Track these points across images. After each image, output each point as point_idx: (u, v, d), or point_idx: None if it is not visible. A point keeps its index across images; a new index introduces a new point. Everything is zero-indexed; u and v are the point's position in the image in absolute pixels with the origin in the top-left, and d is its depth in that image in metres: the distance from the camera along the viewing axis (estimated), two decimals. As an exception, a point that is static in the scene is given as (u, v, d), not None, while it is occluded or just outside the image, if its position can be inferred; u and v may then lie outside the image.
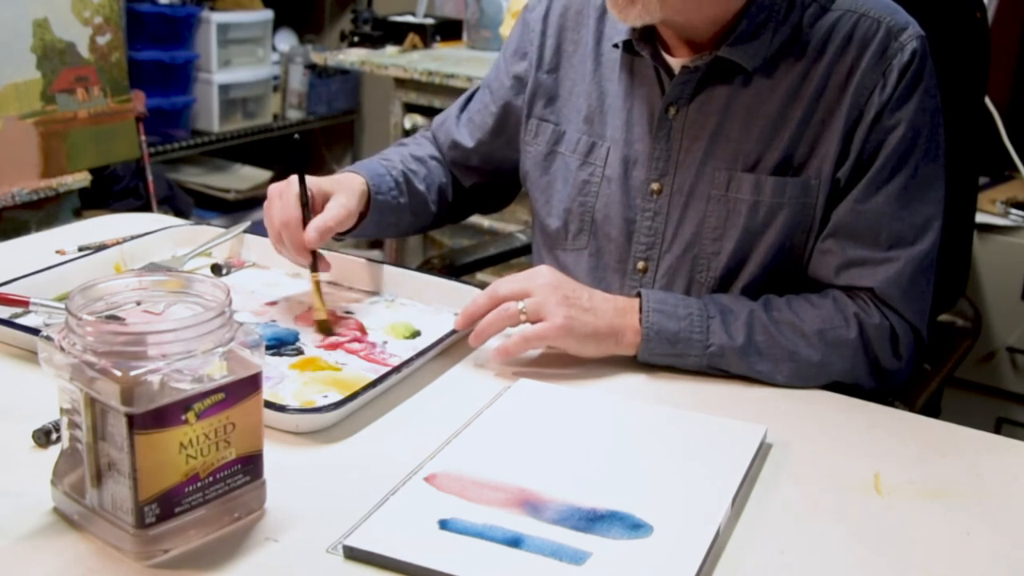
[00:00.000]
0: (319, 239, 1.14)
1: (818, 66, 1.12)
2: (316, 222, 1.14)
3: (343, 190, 1.19)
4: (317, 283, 1.16)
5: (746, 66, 1.13)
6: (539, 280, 1.08)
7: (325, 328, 1.14)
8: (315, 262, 1.16)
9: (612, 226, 1.22)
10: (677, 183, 1.18)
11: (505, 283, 1.09)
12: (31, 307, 1.08)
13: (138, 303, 0.80)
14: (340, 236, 1.23)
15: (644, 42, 1.17)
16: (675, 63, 1.17)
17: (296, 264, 1.19)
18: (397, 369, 1.01)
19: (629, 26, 1.16)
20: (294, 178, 1.16)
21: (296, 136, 1.19)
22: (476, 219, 2.61)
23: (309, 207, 1.15)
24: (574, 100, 1.26)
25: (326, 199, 1.18)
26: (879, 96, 1.11)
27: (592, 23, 1.25)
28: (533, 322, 1.06)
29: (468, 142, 1.37)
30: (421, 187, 1.33)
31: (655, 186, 1.19)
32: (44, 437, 0.87)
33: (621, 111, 1.22)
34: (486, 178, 1.40)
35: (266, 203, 1.18)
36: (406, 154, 1.36)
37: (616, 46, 1.21)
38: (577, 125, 1.25)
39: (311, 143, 3.90)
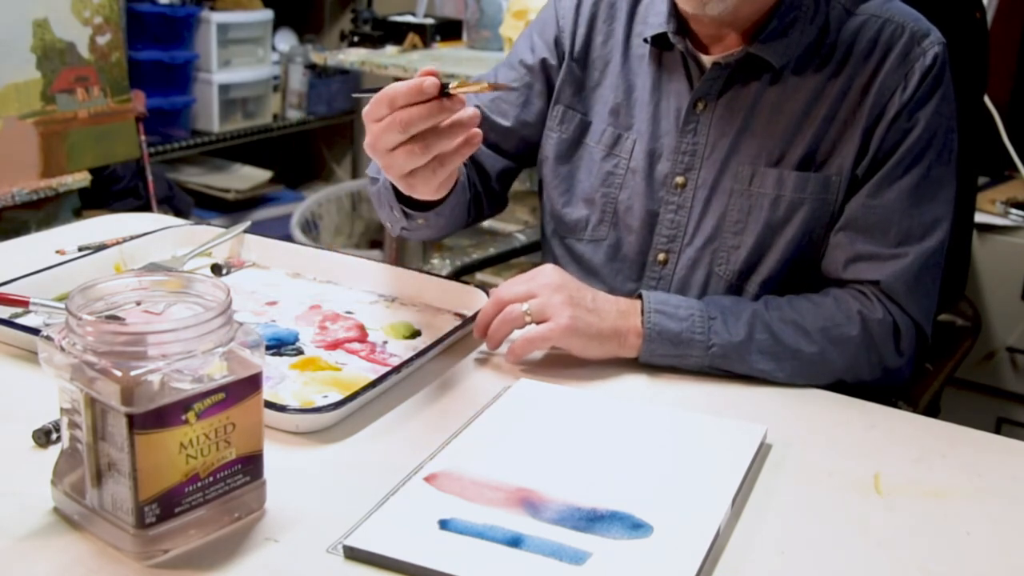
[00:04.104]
0: (474, 115, 0.96)
1: (843, 67, 1.15)
2: (467, 110, 0.95)
3: None
4: (463, 83, 0.95)
5: (774, 63, 1.15)
6: (543, 280, 1.09)
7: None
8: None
9: (634, 218, 1.23)
10: (702, 177, 1.19)
11: (509, 286, 1.09)
12: (31, 307, 1.08)
13: (138, 303, 0.80)
14: (427, 207, 1.14)
15: (679, 35, 1.18)
16: (705, 59, 1.19)
17: (423, 111, 0.92)
18: (397, 369, 1.01)
19: (704, 14, 1.11)
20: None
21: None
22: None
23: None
24: (601, 91, 1.27)
25: None
26: (900, 97, 1.13)
27: (624, 16, 1.26)
28: (538, 322, 1.06)
29: (504, 121, 1.31)
30: (464, 183, 1.25)
31: (679, 180, 1.20)
32: (44, 437, 0.87)
33: (648, 104, 1.23)
34: (516, 161, 1.34)
35: (374, 99, 0.96)
36: None
37: (646, 40, 1.22)
38: (603, 117, 1.26)
39: (311, 143, 3.90)
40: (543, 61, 1.30)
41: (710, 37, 1.18)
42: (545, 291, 1.07)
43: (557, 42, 1.30)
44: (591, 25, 1.28)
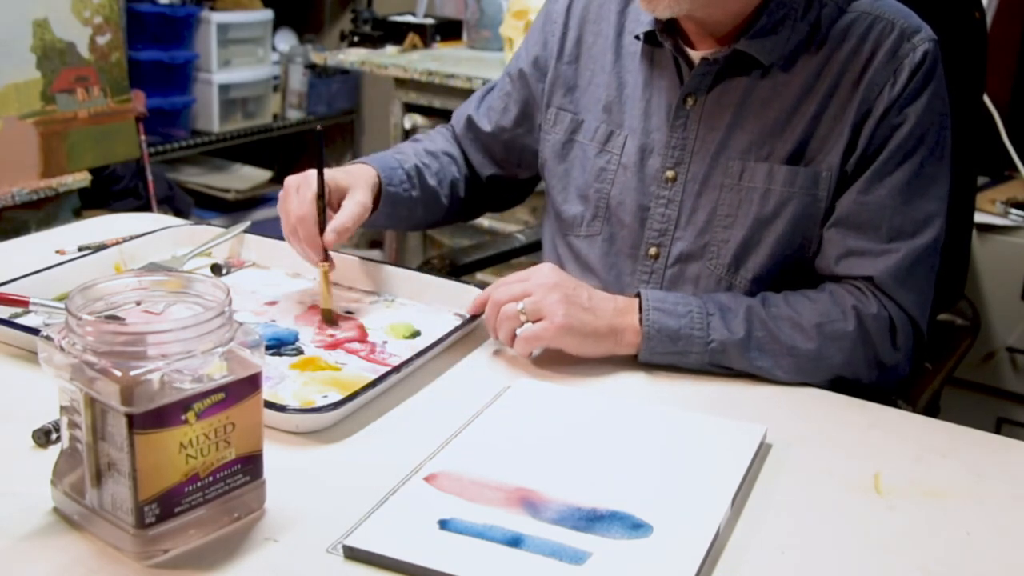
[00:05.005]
0: (337, 240, 1.16)
1: (833, 63, 1.15)
2: (334, 224, 1.16)
3: (358, 185, 1.21)
4: (326, 274, 1.16)
5: (763, 60, 1.15)
6: (538, 280, 1.09)
7: (329, 318, 1.15)
8: (326, 254, 1.17)
9: (626, 212, 1.24)
10: (692, 172, 1.20)
11: (505, 286, 1.09)
12: (31, 307, 1.08)
13: (138, 303, 0.80)
14: None
15: (666, 34, 1.20)
16: (695, 55, 1.20)
17: (306, 259, 1.19)
18: (397, 369, 1.01)
19: (655, 17, 1.18)
20: (311, 172, 1.17)
21: (319, 128, 1.20)
22: (476, 219, 2.61)
23: (326, 202, 1.16)
24: (593, 90, 1.28)
25: (342, 195, 1.19)
26: (889, 93, 1.13)
27: (614, 16, 1.28)
28: (533, 322, 1.07)
29: (487, 127, 1.39)
30: (432, 182, 1.34)
31: (670, 174, 1.21)
32: (44, 437, 0.87)
33: (639, 101, 1.24)
34: (506, 168, 1.42)
35: (282, 194, 1.19)
36: (420, 149, 1.38)
37: (637, 38, 1.23)
38: (596, 114, 1.27)
39: (311, 143, 3.90)
40: (520, 71, 1.36)
41: (697, 34, 1.19)
42: (540, 290, 1.07)
43: (538, 59, 1.33)
44: (582, 27, 1.30)
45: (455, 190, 1.38)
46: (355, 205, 1.18)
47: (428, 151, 1.38)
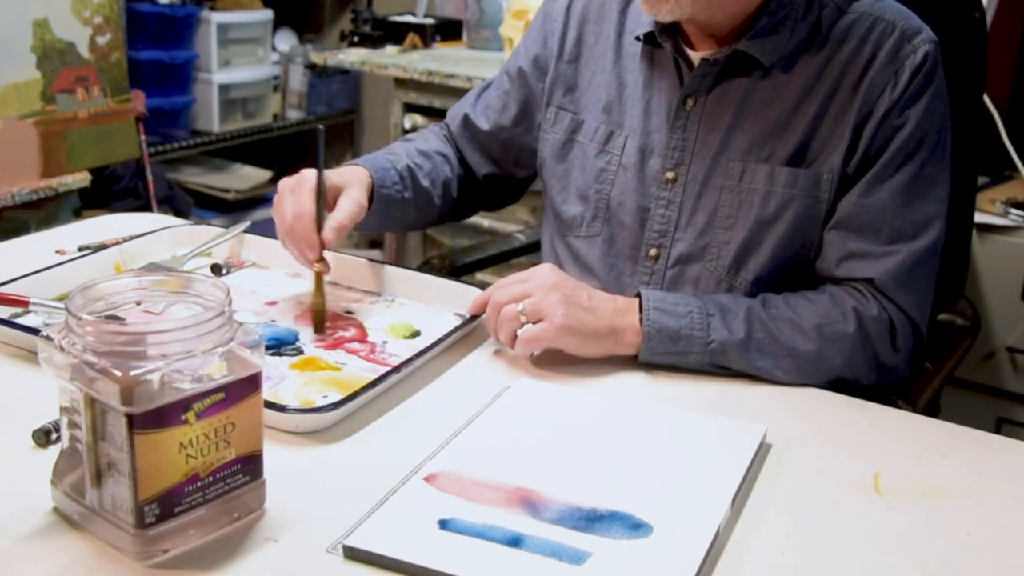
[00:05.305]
0: (336, 237, 1.15)
1: (833, 64, 1.15)
2: (332, 221, 1.15)
3: (353, 184, 1.20)
4: (320, 276, 1.16)
5: (764, 61, 1.15)
6: (538, 280, 1.09)
7: (321, 318, 1.14)
8: (322, 254, 1.17)
9: (626, 213, 1.24)
10: (692, 173, 1.20)
11: (505, 287, 1.09)
12: (31, 307, 1.08)
13: (138, 303, 0.80)
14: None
15: (666, 35, 1.20)
16: (695, 56, 1.20)
17: (301, 260, 1.18)
18: (397, 369, 1.01)
19: (658, 20, 1.18)
20: (306, 172, 1.17)
21: (320, 127, 1.19)
22: (476, 219, 2.61)
23: (324, 200, 1.15)
24: (593, 90, 1.28)
25: (337, 194, 1.19)
26: (890, 94, 1.13)
27: (615, 16, 1.28)
28: (534, 322, 1.07)
29: (485, 126, 1.38)
30: (425, 182, 1.33)
31: (670, 175, 1.21)
32: (44, 437, 0.87)
33: (640, 101, 1.24)
34: (503, 167, 1.41)
35: (276, 197, 1.18)
36: (412, 149, 1.37)
37: (638, 38, 1.23)
38: (596, 114, 1.27)
39: (310, 143, 3.90)
40: (520, 69, 1.36)
41: (697, 35, 1.19)
42: (540, 291, 1.07)
43: (538, 57, 1.33)
44: (582, 26, 1.30)
45: (448, 190, 1.38)
46: (351, 203, 1.18)
47: (420, 151, 1.37)
